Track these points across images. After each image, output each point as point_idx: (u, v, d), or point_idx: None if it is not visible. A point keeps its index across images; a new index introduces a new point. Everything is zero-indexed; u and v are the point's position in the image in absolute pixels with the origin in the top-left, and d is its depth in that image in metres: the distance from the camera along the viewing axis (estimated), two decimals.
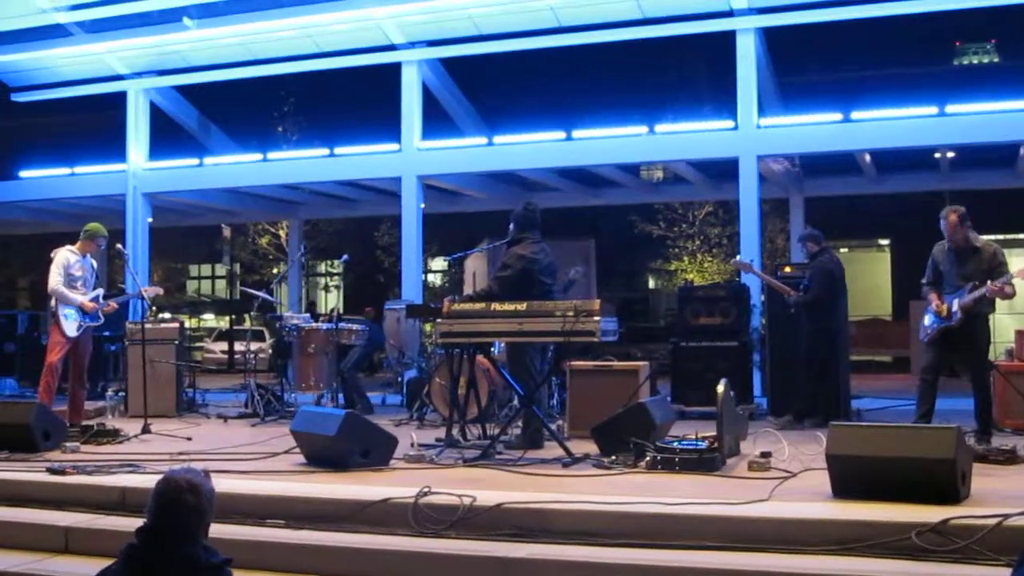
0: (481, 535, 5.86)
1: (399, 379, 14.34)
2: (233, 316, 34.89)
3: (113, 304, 10.96)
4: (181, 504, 3.76)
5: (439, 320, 8.69)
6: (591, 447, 8.24)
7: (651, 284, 40.48)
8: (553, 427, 9.09)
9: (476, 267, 17.09)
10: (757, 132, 14.85)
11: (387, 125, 17.68)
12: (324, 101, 32.56)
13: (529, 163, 17.11)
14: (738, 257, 12.47)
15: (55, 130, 36.45)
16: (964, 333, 8.42)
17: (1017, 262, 8.60)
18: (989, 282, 8.24)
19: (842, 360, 11.42)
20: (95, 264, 10.69)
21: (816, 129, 15.27)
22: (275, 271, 34.33)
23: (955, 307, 8.39)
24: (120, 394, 12.89)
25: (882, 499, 5.84)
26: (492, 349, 10.08)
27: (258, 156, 19.73)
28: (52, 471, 7.36)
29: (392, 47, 16.50)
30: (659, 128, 16.80)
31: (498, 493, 6.32)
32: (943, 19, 16.77)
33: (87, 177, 19.49)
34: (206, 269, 46.19)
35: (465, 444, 8.85)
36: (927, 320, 8.72)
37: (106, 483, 7.08)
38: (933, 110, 14.68)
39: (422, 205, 16.79)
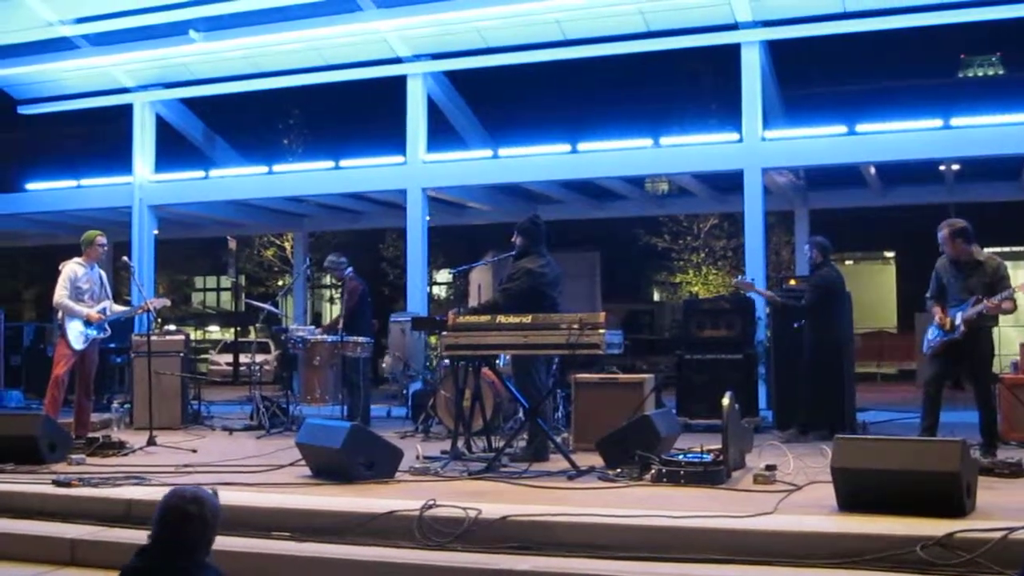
0: (486, 548, 5.85)
1: (404, 392, 14.34)
2: (238, 328, 34.95)
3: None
4: (184, 515, 3.77)
5: (444, 333, 8.71)
6: (596, 460, 8.24)
7: (656, 296, 40.51)
8: (558, 440, 9.09)
9: (481, 279, 17.09)
10: (762, 145, 14.85)
11: (392, 138, 17.71)
12: (329, 114, 32.68)
13: (534, 176, 17.11)
14: (739, 277, 12.50)
15: (61, 143, 36.59)
16: (968, 346, 8.41)
17: (1021, 275, 8.59)
18: (985, 299, 8.24)
19: (846, 372, 11.43)
20: (103, 274, 10.72)
21: (821, 142, 15.26)
22: (280, 283, 34.39)
23: (959, 320, 8.39)
24: (126, 406, 12.91)
25: (887, 512, 5.83)
26: (497, 361, 10.09)
27: (263, 168, 19.76)
28: (58, 483, 7.37)
29: (397, 60, 16.53)
30: (664, 141, 16.81)
31: (503, 506, 6.32)
32: (948, 32, 16.79)
33: (93, 189, 19.54)
34: (211, 281, 46.30)
35: (470, 457, 8.84)
36: (931, 333, 8.73)
37: (111, 495, 7.08)
38: (938, 123, 14.68)
39: (427, 217, 16.81)
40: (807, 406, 10.79)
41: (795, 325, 11.17)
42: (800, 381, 10.96)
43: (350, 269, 13.00)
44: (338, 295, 41.69)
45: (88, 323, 10.27)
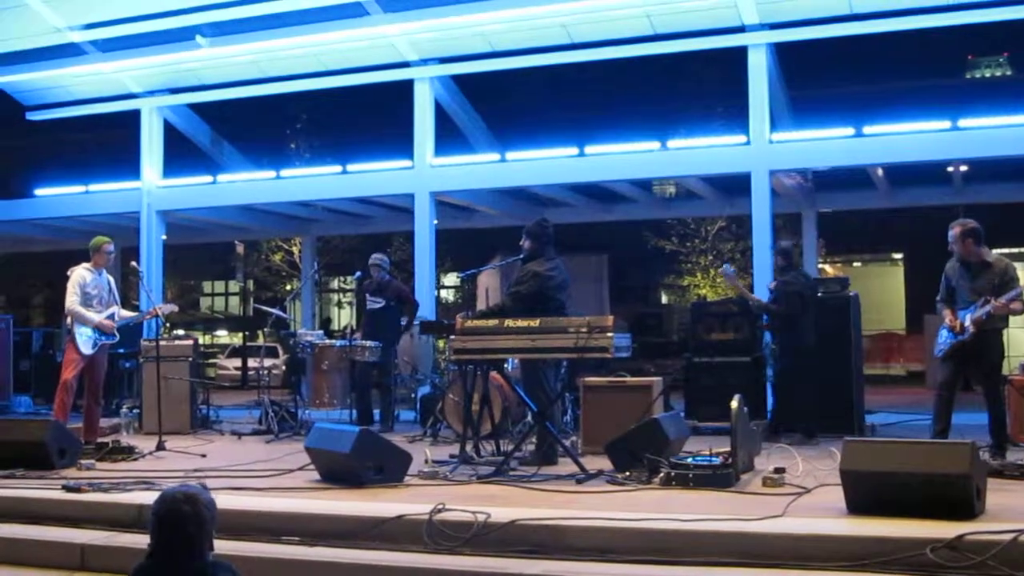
0: (495, 552, 5.86)
1: (413, 395, 14.34)
2: (247, 333, 34.98)
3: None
4: (179, 515, 3.77)
5: (452, 337, 8.72)
6: (605, 463, 8.25)
7: (664, 299, 40.42)
8: (567, 443, 9.09)
9: (489, 283, 17.11)
10: (769, 147, 14.83)
11: (400, 142, 17.73)
12: (337, 118, 32.70)
13: (542, 179, 17.12)
14: (725, 266, 12.53)
15: (69, 148, 36.68)
16: (977, 348, 8.41)
17: None
18: (993, 299, 8.23)
19: (854, 375, 11.45)
20: (111, 280, 10.74)
21: (828, 144, 15.23)
22: (288, 288, 34.40)
23: (967, 322, 8.39)
24: (135, 411, 12.93)
25: (897, 515, 5.82)
26: (506, 365, 10.10)
27: (271, 173, 19.78)
28: (68, 488, 7.39)
29: (404, 64, 16.55)
30: (671, 144, 16.81)
31: (512, 510, 6.33)
32: (956, 33, 16.74)
33: (101, 195, 19.58)
34: (220, 286, 46.32)
35: (479, 460, 8.85)
36: (941, 336, 8.73)
37: (122, 500, 7.10)
38: (946, 124, 14.65)
39: (435, 221, 16.81)
40: (790, 408, 10.84)
41: (763, 319, 11.35)
42: (805, 385, 10.99)
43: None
44: (346, 300, 41.97)
45: (98, 330, 10.30)
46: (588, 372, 10.29)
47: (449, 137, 17.94)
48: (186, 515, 3.78)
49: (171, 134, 18.87)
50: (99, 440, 10.14)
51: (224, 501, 6.80)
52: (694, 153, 16.56)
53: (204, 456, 9.78)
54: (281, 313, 13.34)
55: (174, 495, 3.86)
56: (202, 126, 19.87)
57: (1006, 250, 25.71)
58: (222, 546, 5.81)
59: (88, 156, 33.54)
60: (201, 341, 35.85)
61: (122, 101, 18.47)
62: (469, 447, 9.13)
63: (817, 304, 11.33)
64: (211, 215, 20.62)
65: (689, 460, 7.64)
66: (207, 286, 46.45)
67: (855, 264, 39.16)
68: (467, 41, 16.05)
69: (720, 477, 7.30)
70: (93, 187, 19.84)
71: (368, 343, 12.24)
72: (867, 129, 15.06)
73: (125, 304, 11.39)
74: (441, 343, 15.86)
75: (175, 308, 12.22)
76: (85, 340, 10.21)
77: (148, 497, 7.08)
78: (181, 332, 17.27)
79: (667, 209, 24.26)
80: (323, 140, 33.15)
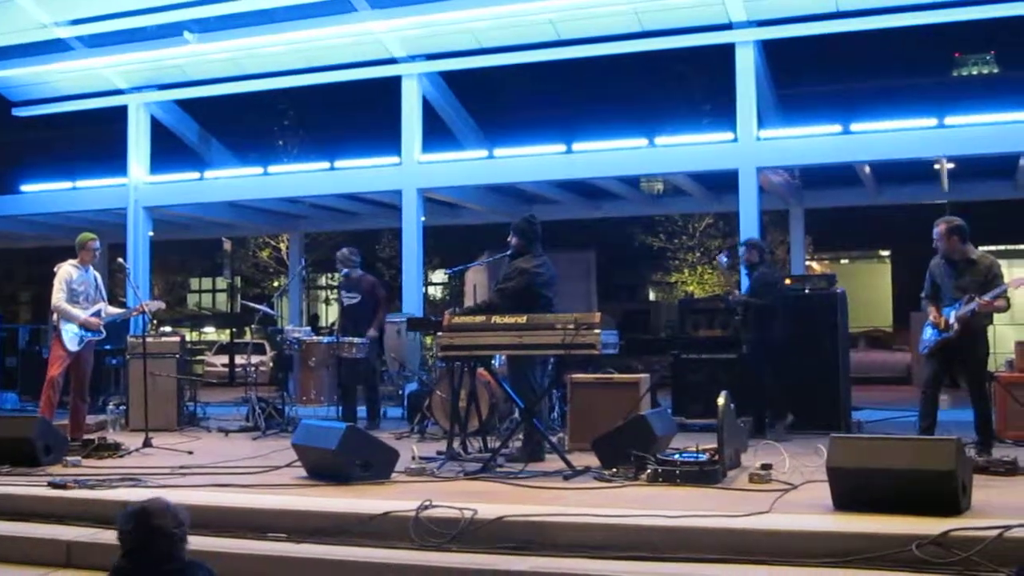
0: (482, 548, 5.86)
1: (400, 392, 14.34)
2: (234, 329, 34.92)
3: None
4: (148, 532, 3.78)
5: (440, 333, 8.71)
6: (592, 460, 8.25)
7: (652, 296, 40.51)
8: (554, 440, 9.10)
9: (477, 280, 17.10)
10: (757, 144, 14.84)
11: (387, 138, 17.70)
12: (325, 114, 32.68)
13: (529, 176, 17.10)
14: (723, 252, 12.62)
15: (56, 144, 36.57)
16: (962, 345, 8.43)
17: (1017, 273, 8.60)
18: (977, 298, 8.25)
19: (841, 371, 11.48)
20: (98, 276, 10.71)
21: (816, 141, 15.26)
22: (276, 284, 34.39)
23: (952, 319, 8.41)
24: (121, 408, 12.89)
25: (883, 511, 5.84)
26: (493, 362, 10.09)
27: (259, 170, 19.74)
28: (54, 485, 7.37)
29: (392, 60, 16.52)
30: (659, 140, 16.80)
31: (499, 506, 6.33)
32: (942, 30, 16.81)
33: (88, 191, 19.51)
34: (207, 282, 46.29)
35: (466, 457, 8.85)
36: (927, 333, 8.75)
37: (108, 497, 7.08)
38: (932, 121, 14.67)
39: (422, 218, 16.79)
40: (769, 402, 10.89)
41: (736, 317, 11.46)
42: (803, 380, 11.01)
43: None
44: (334, 295, 41.87)
45: (84, 326, 10.27)
46: (575, 369, 10.27)
47: (437, 134, 17.91)
48: (158, 514, 3.78)
49: (158, 130, 18.81)
50: (85, 437, 10.12)
51: (210, 498, 6.83)
52: (682, 150, 16.57)
53: (191, 453, 9.75)
54: (268, 310, 13.31)
55: (145, 501, 3.87)
56: (189, 122, 19.81)
57: (991, 247, 25.79)
58: (208, 543, 5.83)
59: (75, 152, 33.43)
60: (188, 338, 35.86)
61: (109, 97, 18.40)
62: (456, 444, 9.13)
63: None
64: (198, 211, 20.57)
65: (676, 457, 7.64)
66: (194, 283, 46.41)
67: (842, 261, 39.31)
68: (455, 38, 16.03)
69: (707, 474, 7.31)
70: (80, 183, 19.78)
71: (355, 339, 12.21)
72: (854, 126, 15.09)
73: (112, 301, 11.35)
74: (428, 340, 15.83)
75: (162, 305, 12.17)
76: (71, 337, 10.18)
77: (134, 494, 7.08)
78: (168, 329, 17.23)
79: (655, 206, 24.29)
80: (311, 136, 33.16)
